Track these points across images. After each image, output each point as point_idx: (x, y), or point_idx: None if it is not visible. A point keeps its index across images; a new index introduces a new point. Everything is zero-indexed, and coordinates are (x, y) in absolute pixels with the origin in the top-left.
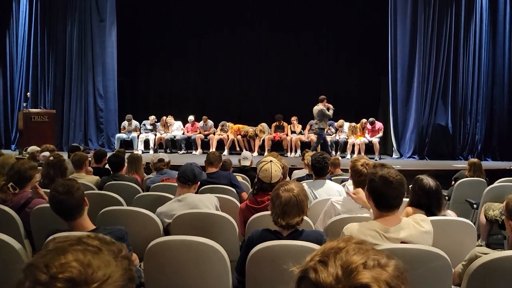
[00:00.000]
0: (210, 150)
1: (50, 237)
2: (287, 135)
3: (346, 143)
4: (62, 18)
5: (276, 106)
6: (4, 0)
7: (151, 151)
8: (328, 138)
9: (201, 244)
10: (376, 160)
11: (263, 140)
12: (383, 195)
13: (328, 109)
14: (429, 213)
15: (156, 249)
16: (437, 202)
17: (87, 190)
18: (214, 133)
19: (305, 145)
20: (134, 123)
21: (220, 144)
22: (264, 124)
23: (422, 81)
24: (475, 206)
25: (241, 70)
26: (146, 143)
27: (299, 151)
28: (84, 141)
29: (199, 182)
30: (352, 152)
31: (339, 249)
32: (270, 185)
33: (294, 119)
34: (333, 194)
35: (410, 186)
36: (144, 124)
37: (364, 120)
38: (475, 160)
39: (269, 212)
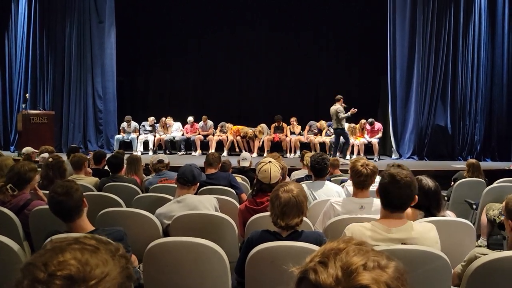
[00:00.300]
0: (210, 151)
1: (48, 239)
2: (286, 136)
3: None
4: (61, 19)
5: (276, 106)
6: (3, 1)
7: (151, 152)
8: (328, 139)
9: (201, 245)
10: (375, 160)
11: (263, 141)
12: (388, 193)
13: (347, 110)
14: (429, 213)
15: (155, 251)
16: (437, 202)
17: (86, 192)
18: (213, 134)
19: (304, 146)
20: (133, 124)
21: (220, 145)
22: (263, 125)
23: (421, 81)
24: (474, 206)
25: (241, 70)
26: (146, 144)
27: (298, 152)
28: (83, 142)
29: (198, 183)
30: (352, 152)
31: (339, 250)
32: (269, 185)
33: (293, 120)
34: (332, 195)
35: None
36: (144, 125)
37: (363, 121)
38: (474, 161)
39: (268, 213)
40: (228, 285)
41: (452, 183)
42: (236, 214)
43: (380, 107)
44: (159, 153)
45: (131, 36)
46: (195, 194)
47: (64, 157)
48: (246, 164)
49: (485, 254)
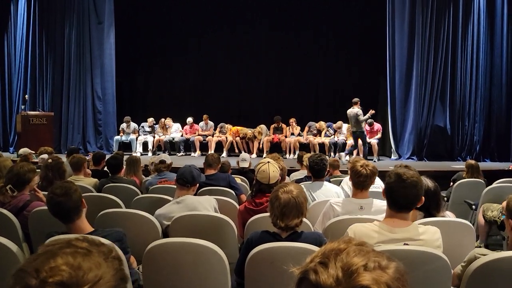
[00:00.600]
0: (209, 152)
1: (47, 241)
2: (286, 136)
3: (344, 144)
4: (60, 20)
5: (275, 106)
6: (2, 2)
7: (150, 153)
8: (327, 140)
9: (200, 246)
10: (374, 161)
11: (262, 142)
12: (394, 193)
13: (364, 112)
14: (428, 214)
15: (154, 252)
16: (436, 203)
17: (85, 193)
18: (212, 135)
19: (303, 147)
20: (133, 125)
21: (219, 146)
22: (262, 126)
23: (420, 82)
24: (473, 207)
25: (241, 69)
26: (145, 145)
27: (297, 153)
28: (83, 143)
29: (197, 184)
30: (351, 153)
31: (340, 251)
32: (268, 186)
33: (292, 120)
34: (331, 195)
35: None
36: (143, 126)
37: None
38: (473, 162)
39: (268, 214)
40: (227, 286)
41: (452, 183)
42: (236, 215)
43: (379, 107)
44: (158, 154)
45: (130, 36)
46: (195, 195)
47: (63, 158)
48: (245, 165)
49: (484, 255)
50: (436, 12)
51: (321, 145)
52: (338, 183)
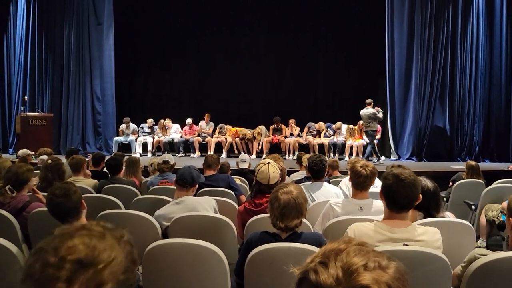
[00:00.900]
0: (208, 153)
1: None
2: (285, 137)
3: (344, 145)
4: (59, 21)
5: (275, 108)
6: (2, 3)
7: (149, 154)
8: (326, 141)
9: (200, 247)
10: (374, 162)
11: (262, 143)
12: (393, 193)
13: (378, 111)
14: (428, 214)
15: (154, 253)
16: (435, 203)
17: (85, 194)
18: (212, 136)
19: (303, 148)
20: (132, 126)
21: (218, 147)
22: (262, 127)
23: (420, 82)
24: (473, 207)
25: (240, 71)
26: (144, 146)
27: (297, 154)
28: (82, 144)
29: (197, 185)
30: (350, 154)
31: (340, 251)
32: (268, 186)
33: (292, 121)
34: (330, 196)
35: None
36: (142, 127)
37: (361, 122)
38: (473, 163)
39: (267, 215)
40: (227, 286)
41: (451, 184)
42: (235, 215)
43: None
44: (158, 155)
45: (129, 38)
46: (194, 195)
47: (63, 159)
48: (245, 165)
49: (484, 255)
50: (435, 12)
51: (321, 146)
52: (338, 183)
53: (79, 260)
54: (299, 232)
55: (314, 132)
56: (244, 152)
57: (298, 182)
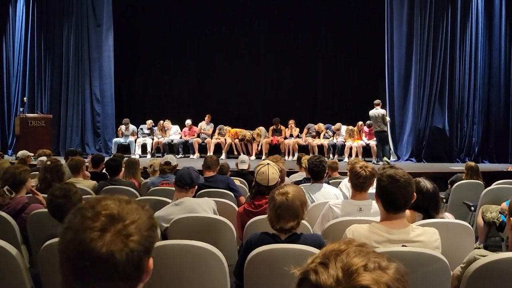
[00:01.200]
0: (208, 154)
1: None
2: (285, 138)
3: (343, 146)
4: (58, 23)
5: (274, 108)
6: (1, 4)
7: (149, 156)
8: (326, 142)
9: (199, 248)
10: (373, 163)
11: (261, 144)
12: (390, 194)
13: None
14: (427, 215)
15: (153, 254)
16: (435, 204)
17: (84, 195)
18: (211, 137)
19: (302, 149)
20: (132, 127)
21: (218, 148)
22: (261, 128)
23: (419, 83)
24: (472, 208)
25: (240, 71)
26: (144, 147)
27: (296, 155)
28: (81, 145)
29: (196, 186)
30: (350, 155)
31: (340, 251)
32: (267, 188)
33: (291, 122)
34: (330, 197)
35: None
36: (142, 129)
37: (360, 123)
38: (472, 164)
39: (266, 216)
40: None
41: (449, 186)
42: (235, 217)
43: None
44: (157, 156)
45: (129, 39)
46: (194, 197)
47: (62, 160)
48: (244, 166)
49: (484, 256)
50: (434, 13)
51: (320, 147)
52: (337, 185)
53: (111, 215)
54: (298, 233)
55: (314, 133)
56: (244, 153)
57: (297, 183)
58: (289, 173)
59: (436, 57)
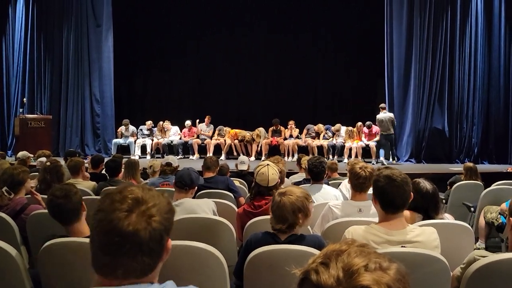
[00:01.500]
0: (207, 155)
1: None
2: (284, 139)
3: (343, 147)
4: (58, 23)
5: (274, 109)
6: (0, 5)
7: (148, 156)
8: (325, 143)
9: (199, 249)
10: (373, 163)
11: (261, 145)
12: (388, 194)
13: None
14: (427, 216)
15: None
16: (434, 205)
17: (84, 196)
18: (211, 138)
19: (302, 150)
20: (131, 128)
21: (217, 149)
22: (261, 129)
23: (419, 84)
24: (472, 209)
25: (240, 72)
26: (143, 148)
27: (296, 155)
28: (81, 146)
29: (196, 187)
30: (349, 156)
31: (341, 252)
32: (267, 188)
33: (291, 123)
34: (330, 198)
35: None
36: (141, 129)
37: (360, 124)
38: (471, 164)
39: (266, 217)
40: None
41: (449, 187)
42: (234, 217)
43: (377, 110)
44: (157, 157)
45: (128, 39)
46: (193, 198)
47: (61, 161)
48: (244, 167)
49: (484, 257)
50: (434, 14)
51: (320, 148)
52: (337, 185)
53: (136, 198)
54: (298, 234)
55: (313, 134)
56: (243, 154)
57: (297, 184)
58: (289, 174)
59: (435, 58)
